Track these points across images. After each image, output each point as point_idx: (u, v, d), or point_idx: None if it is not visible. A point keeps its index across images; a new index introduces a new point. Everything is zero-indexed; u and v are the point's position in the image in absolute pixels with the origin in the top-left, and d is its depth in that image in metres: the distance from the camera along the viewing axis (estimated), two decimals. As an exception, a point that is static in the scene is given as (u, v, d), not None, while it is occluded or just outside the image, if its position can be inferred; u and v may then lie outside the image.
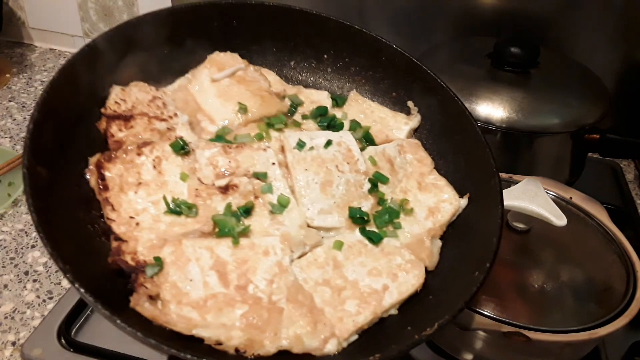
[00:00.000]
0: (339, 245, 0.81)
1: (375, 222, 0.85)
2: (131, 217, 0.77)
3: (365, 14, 1.48)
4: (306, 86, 1.05)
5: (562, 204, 1.06)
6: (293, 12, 1.02)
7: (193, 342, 0.68)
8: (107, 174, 0.80)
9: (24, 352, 0.93)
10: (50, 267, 1.12)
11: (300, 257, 0.79)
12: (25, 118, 1.57)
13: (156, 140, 0.85)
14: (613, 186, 1.44)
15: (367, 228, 0.85)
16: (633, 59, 1.43)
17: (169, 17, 0.94)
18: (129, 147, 0.83)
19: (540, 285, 0.93)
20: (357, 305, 0.76)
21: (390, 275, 0.80)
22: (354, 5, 1.48)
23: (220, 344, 0.68)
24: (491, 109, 1.15)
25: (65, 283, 1.08)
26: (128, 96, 0.88)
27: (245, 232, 0.78)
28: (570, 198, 1.08)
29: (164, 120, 0.88)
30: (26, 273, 1.11)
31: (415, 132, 1.01)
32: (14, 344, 0.97)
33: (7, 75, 1.74)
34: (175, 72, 0.97)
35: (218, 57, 0.98)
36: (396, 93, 1.03)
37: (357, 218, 0.84)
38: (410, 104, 1.01)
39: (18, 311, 1.03)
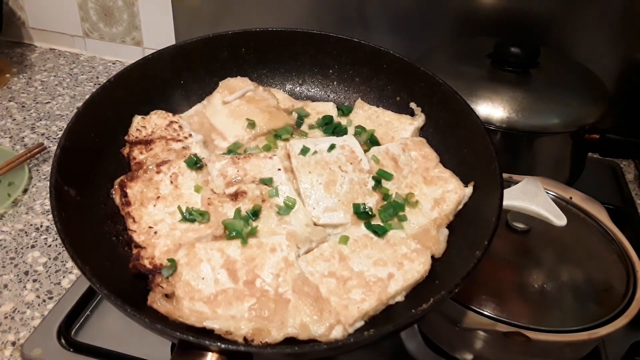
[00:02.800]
0: (344, 239, 0.84)
1: (380, 216, 0.88)
2: (150, 227, 0.84)
3: (365, 15, 1.51)
4: (314, 100, 1.11)
5: (562, 204, 1.06)
6: (295, 34, 1.09)
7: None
8: (128, 191, 0.88)
9: (24, 352, 0.94)
10: (50, 267, 1.12)
11: (307, 252, 0.83)
12: (25, 118, 1.54)
13: (173, 158, 0.93)
14: (613, 186, 1.42)
15: (373, 222, 0.87)
16: (633, 59, 1.41)
17: (182, 51, 1.04)
18: (149, 167, 0.92)
19: (540, 285, 0.93)
20: (362, 293, 0.78)
21: (395, 264, 0.82)
22: (353, 7, 1.52)
23: (230, 333, 0.73)
24: (491, 109, 1.15)
25: (66, 283, 1.09)
26: (148, 123, 0.98)
27: (254, 233, 0.83)
28: (570, 198, 1.07)
29: (179, 140, 0.96)
30: (26, 273, 1.10)
31: (422, 131, 1.04)
32: (14, 344, 0.96)
33: (7, 75, 1.72)
34: (192, 100, 1.07)
35: (229, 82, 1.07)
36: (400, 97, 1.07)
37: (362, 213, 0.87)
38: (412, 105, 1.05)
39: (18, 311, 1.02)
